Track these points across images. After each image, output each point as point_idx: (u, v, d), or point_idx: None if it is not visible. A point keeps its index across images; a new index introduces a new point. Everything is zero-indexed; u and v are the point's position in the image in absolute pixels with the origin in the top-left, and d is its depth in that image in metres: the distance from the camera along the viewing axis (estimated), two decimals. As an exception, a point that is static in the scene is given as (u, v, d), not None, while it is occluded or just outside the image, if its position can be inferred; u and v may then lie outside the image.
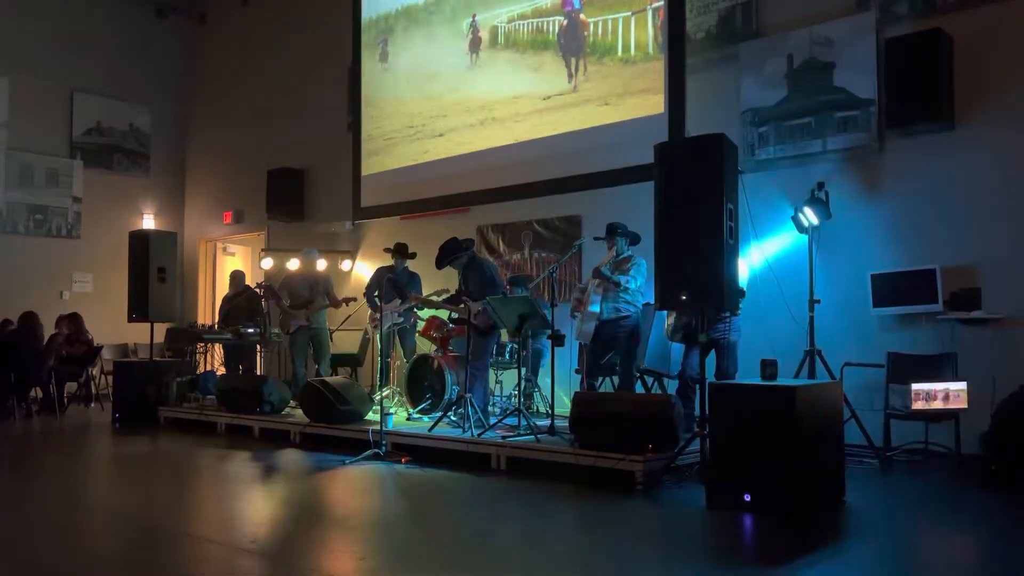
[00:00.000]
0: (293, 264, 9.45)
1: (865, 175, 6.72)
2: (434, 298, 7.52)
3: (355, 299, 8.83)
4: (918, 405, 5.64)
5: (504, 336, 7.41)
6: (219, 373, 9.77)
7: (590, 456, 5.38)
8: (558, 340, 6.91)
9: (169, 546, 3.94)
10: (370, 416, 7.26)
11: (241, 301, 9.81)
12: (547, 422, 6.38)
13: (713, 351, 5.93)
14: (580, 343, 6.98)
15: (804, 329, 6.35)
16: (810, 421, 4.49)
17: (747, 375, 5.86)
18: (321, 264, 9.86)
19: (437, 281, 7.79)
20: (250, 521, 4.65)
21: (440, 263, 7.12)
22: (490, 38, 9.26)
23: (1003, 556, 3.89)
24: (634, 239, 6.71)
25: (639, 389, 7.05)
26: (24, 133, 11.95)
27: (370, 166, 10.57)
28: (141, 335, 10.48)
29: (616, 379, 6.91)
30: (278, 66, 12.07)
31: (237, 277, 10.30)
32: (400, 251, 8.31)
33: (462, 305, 6.99)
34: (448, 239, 7.23)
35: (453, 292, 7.33)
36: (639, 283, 6.55)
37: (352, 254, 10.86)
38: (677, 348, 6.66)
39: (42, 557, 3.77)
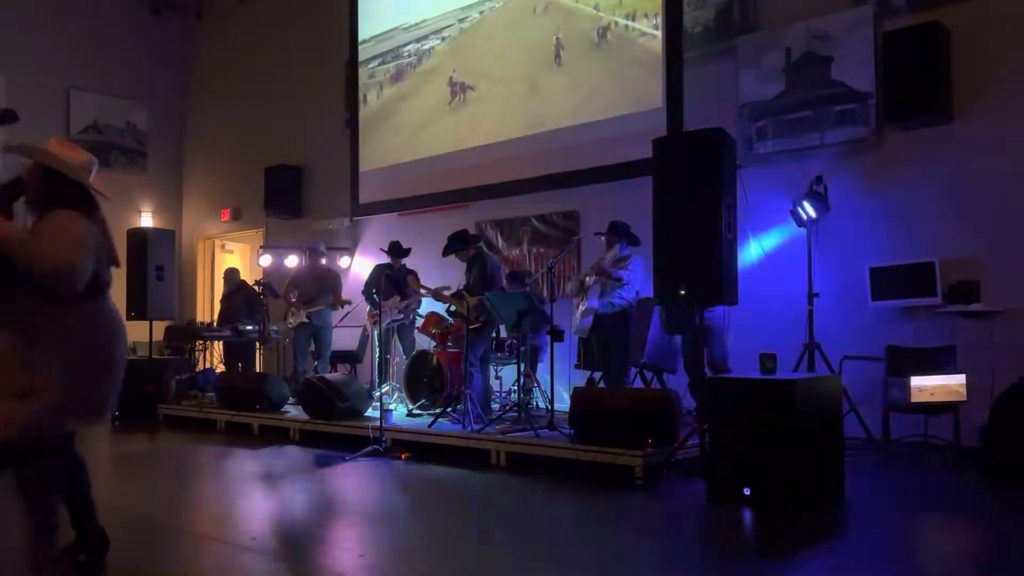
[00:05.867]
0: (291, 261, 9.45)
1: (863, 168, 6.72)
2: (430, 286, 7.52)
3: (349, 302, 8.84)
4: (917, 398, 5.65)
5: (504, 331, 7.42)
6: (218, 371, 9.78)
7: (590, 451, 5.38)
8: (557, 335, 6.91)
9: (169, 544, 3.94)
10: (369, 412, 7.26)
11: (239, 299, 9.81)
12: (546, 417, 6.38)
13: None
14: (579, 337, 7.00)
15: (803, 322, 6.36)
16: (809, 415, 4.49)
17: (746, 369, 5.86)
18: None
19: (436, 277, 7.78)
20: (250, 518, 4.65)
21: (446, 251, 7.13)
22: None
23: (1002, 549, 3.89)
24: (633, 241, 6.70)
25: (639, 384, 7.06)
26: (20, 131, 11.79)
27: (368, 162, 10.55)
28: (140, 333, 10.46)
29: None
30: (275, 62, 12.05)
31: (230, 274, 10.30)
32: (394, 250, 8.30)
33: (461, 300, 6.99)
34: (460, 229, 7.24)
35: (456, 289, 7.32)
36: (635, 280, 6.55)
37: (350, 251, 10.85)
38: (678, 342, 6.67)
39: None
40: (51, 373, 3.01)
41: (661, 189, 5.36)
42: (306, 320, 8.64)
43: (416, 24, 10.03)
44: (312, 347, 8.86)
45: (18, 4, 11.94)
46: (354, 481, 5.56)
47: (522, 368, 6.67)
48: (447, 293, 7.36)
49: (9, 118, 3.12)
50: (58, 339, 3.06)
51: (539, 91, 8.69)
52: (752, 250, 7.02)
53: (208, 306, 13.01)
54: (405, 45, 10.12)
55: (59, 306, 3.06)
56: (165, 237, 9.86)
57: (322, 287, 8.77)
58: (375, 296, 8.09)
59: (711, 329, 5.96)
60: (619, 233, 6.63)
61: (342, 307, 8.77)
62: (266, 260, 10.56)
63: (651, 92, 7.74)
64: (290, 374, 8.85)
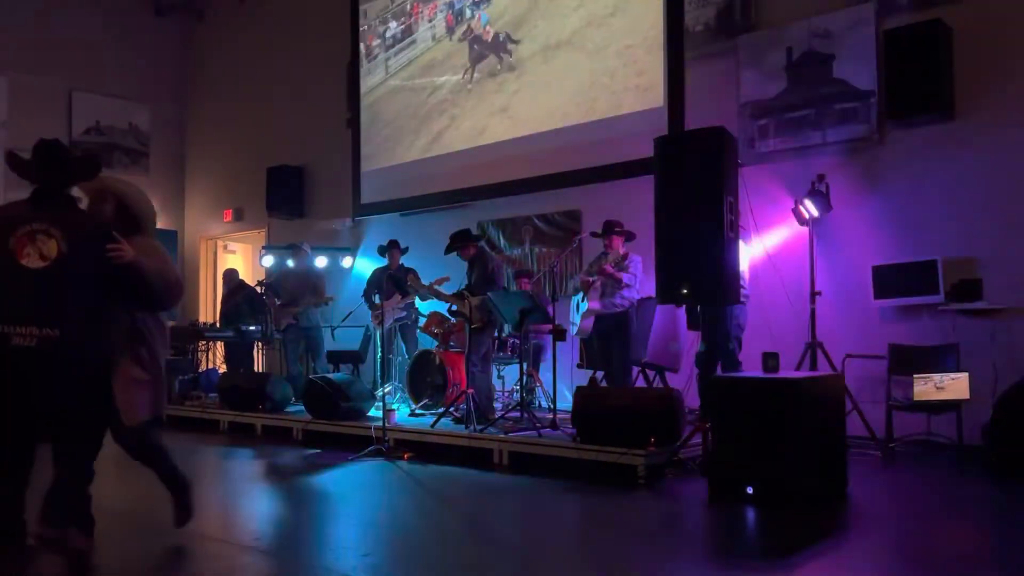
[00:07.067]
0: (291, 263, 9.44)
1: (865, 167, 6.71)
2: (434, 285, 7.52)
3: (332, 298, 8.81)
4: (920, 396, 5.65)
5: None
6: (221, 371, 9.78)
7: (592, 450, 5.38)
8: (559, 335, 6.92)
9: (172, 544, 3.95)
10: (372, 412, 7.27)
11: (240, 299, 9.81)
12: (549, 416, 6.38)
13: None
14: (580, 338, 7.02)
15: (805, 321, 6.36)
16: (812, 413, 4.49)
17: (749, 368, 5.86)
18: (322, 260, 9.87)
19: (435, 276, 7.77)
20: (253, 518, 4.66)
21: (448, 249, 7.14)
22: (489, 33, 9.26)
23: (1005, 546, 3.89)
24: (629, 237, 6.72)
25: (640, 383, 7.06)
26: (23, 132, 11.92)
27: (369, 162, 10.56)
28: (143, 334, 10.46)
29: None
30: (277, 63, 12.06)
31: (229, 275, 10.31)
32: (393, 247, 8.32)
33: (462, 299, 6.99)
34: (462, 229, 7.25)
35: (460, 288, 7.33)
36: (637, 279, 6.58)
37: (352, 251, 10.85)
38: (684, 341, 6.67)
39: (41, 556, 3.76)
40: (157, 368, 3.63)
41: (663, 188, 5.36)
42: (293, 322, 8.60)
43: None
44: (305, 348, 8.80)
45: (20, 5, 11.95)
46: (357, 481, 5.56)
47: (524, 368, 6.68)
48: (446, 290, 7.36)
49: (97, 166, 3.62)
50: (156, 341, 3.68)
51: (541, 90, 8.68)
52: (754, 249, 7.01)
53: (211, 307, 13.03)
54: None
55: (151, 314, 3.68)
56: (168, 238, 9.87)
57: (306, 287, 8.72)
58: (376, 297, 8.10)
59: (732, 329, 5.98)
60: (617, 232, 6.64)
61: (326, 304, 8.76)
62: (268, 260, 10.57)
63: (653, 91, 7.74)
64: (286, 377, 8.82)
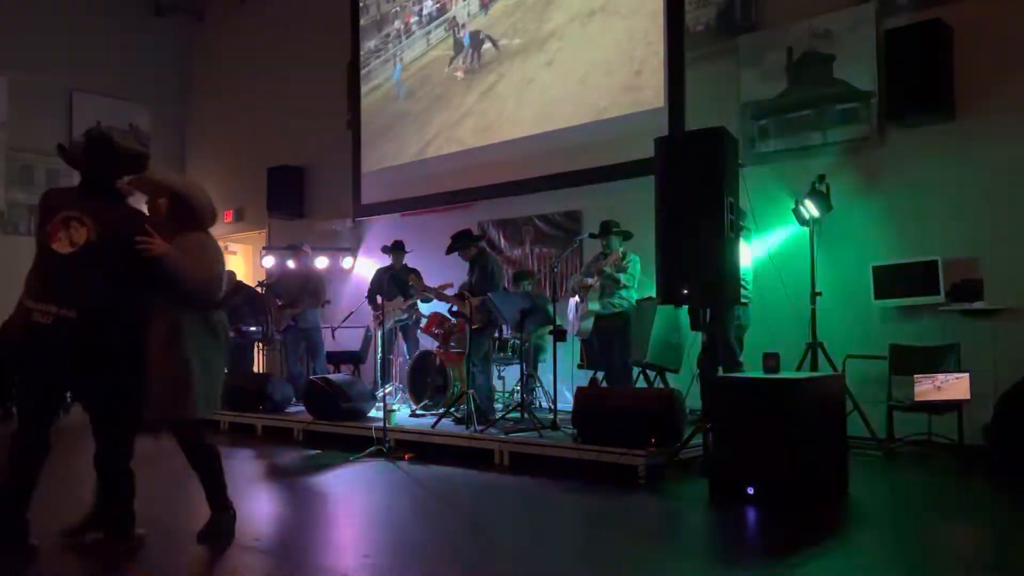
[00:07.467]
0: (291, 264, 9.45)
1: (866, 167, 6.71)
2: (434, 287, 7.53)
3: (329, 301, 8.77)
4: (920, 396, 5.65)
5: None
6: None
7: (593, 451, 5.38)
8: (559, 335, 6.92)
9: (172, 544, 3.95)
10: (372, 413, 7.27)
11: (239, 300, 9.81)
12: (549, 417, 6.38)
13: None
14: (580, 339, 7.02)
15: (806, 322, 6.36)
16: (812, 414, 4.50)
17: (749, 368, 5.86)
18: (322, 261, 9.86)
19: (439, 277, 7.78)
20: (253, 519, 4.66)
21: (449, 250, 7.14)
22: (487, 34, 9.26)
23: (1006, 547, 3.89)
24: (627, 236, 6.73)
25: (641, 383, 7.06)
26: (24, 133, 11.94)
27: (370, 163, 10.56)
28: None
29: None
30: (277, 63, 12.06)
31: (227, 277, 10.29)
32: (398, 247, 8.33)
33: (463, 300, 7.00)
34: (462, 229, 7.25)
35: (459, 289, 7.33)
36: (635, 279, 6.59)
37: (353, 251, 10.85)
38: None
39: (44, 556, 3.77)
40: (190, 369, 3.62)
41: (663, 189, 5.36)
42: (292, 323, 8.59)
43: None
44: (305, 349, 8.79)
45: (21, 6, 11.96)
46: (357, 482, 5.56)
47: (524, 368, 6.68)
48: (449, 292, 7.37)
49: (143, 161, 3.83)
50: (202, 341, 3.70)
51: (541, 90, 8.68)
52: (754, 249, 7.01)
53: (211, 307, 13.01)
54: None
55: (196, 312, 3.69)
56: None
57: (304, 288, 8.71)
58: (379, 298, 8.10)
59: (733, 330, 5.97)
60: (614, 232, 6.64)
61: (323, 307, 8.75)
62: (268, 261, 10.57)
63: (653, 91, 7.74)
64: (286, 377, 8.82)
